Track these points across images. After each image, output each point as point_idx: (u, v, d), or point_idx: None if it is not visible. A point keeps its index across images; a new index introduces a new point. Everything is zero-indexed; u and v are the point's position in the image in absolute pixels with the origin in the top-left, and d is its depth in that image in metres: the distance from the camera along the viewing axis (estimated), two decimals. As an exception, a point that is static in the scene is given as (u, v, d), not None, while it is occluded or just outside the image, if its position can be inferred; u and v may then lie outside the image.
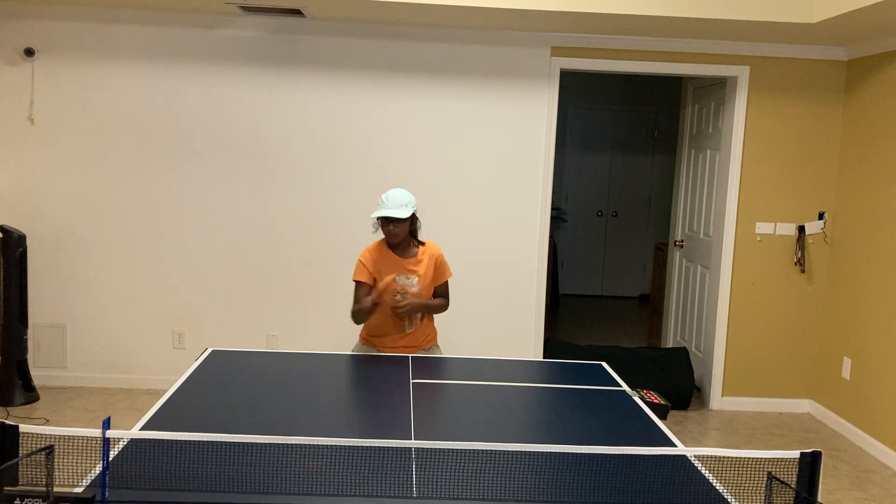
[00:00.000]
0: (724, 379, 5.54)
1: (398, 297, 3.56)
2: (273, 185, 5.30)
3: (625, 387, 3.18)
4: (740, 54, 5.29)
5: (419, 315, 3.70)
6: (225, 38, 5.18)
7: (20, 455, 1.99)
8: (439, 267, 3.70)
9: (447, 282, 3.75)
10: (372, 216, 3.76)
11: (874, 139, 4.99)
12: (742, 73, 5.32)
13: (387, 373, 3.21)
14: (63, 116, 5.19)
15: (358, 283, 3.60)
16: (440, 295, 3.75)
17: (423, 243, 3.71)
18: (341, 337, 5.39)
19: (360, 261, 3.63)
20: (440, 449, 2.35)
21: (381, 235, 3.70)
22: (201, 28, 5.16)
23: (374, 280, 3.62)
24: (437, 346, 3.85)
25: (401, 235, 3.57)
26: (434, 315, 3.85)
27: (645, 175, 9.31)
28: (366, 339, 3.77)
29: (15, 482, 1.94)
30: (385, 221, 3.54)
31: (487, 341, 5.48)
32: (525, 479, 2.18)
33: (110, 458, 2.16)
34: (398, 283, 3.60)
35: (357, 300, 3.59)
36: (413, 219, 3.63)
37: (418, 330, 3.71)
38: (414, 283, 3.63)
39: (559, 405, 2.88)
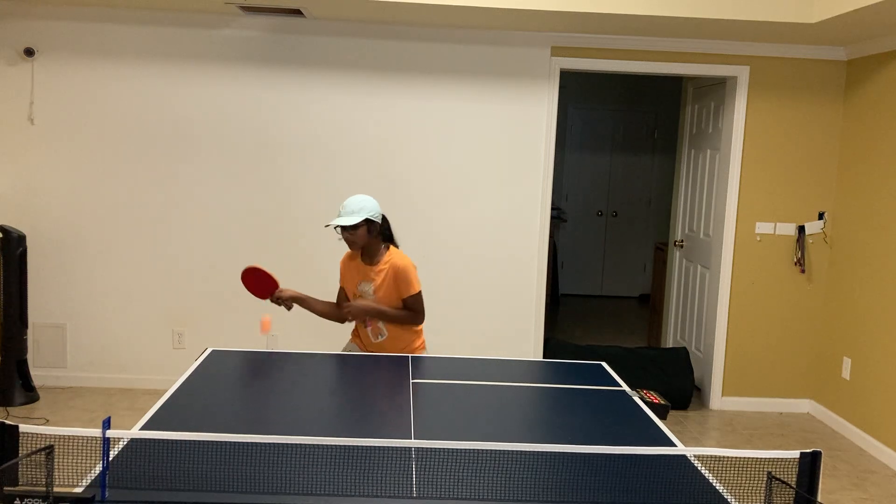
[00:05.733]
0: (724, 379, 5.54)
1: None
2: (273, 184, 5.30)
3: (625, 387, 3.18)
4: (740, 54, 5.29)
5: (380, 324, 3.61)
6: (225, 38, 5.18)
7: (20, 455, 1.99)
8: (399, 280, 3.52)
9: (416, 295, 3.55)
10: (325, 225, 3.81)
11: (874, 139, 4.99)
12: (742, 73, 5.32)
13: (387, 373, 3.21)
14: (63, 116, 5.19)
15: (340, 287, 3.80)
16: (408, 308, 3.58)
17: (398, 249, 3.61)
18: (341, 337, 5.39)
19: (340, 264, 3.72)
20: (440, 449, 2.35)
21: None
22: (201, 28, 5.16)
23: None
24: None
25: (358, 243, 3.50)
26: (413, 326, 3.65)
27: (645, 175, 9.31)
28: (354, 335, 3.79)
29: (15, 482, 1.94)
30: (342, 229, 3.51)
31: (487, 341, 5.48)
32: (525, 479, 2.18)
33: (110, 458, 2.16)
34: (358, 289, 3.63)
35: (339, 302, 3.81)
36: (371, 225, 3.50)
37: (387, 341, 3.63)
38: (370, 290, 3.59)
39: (559, 405, 2.88)
